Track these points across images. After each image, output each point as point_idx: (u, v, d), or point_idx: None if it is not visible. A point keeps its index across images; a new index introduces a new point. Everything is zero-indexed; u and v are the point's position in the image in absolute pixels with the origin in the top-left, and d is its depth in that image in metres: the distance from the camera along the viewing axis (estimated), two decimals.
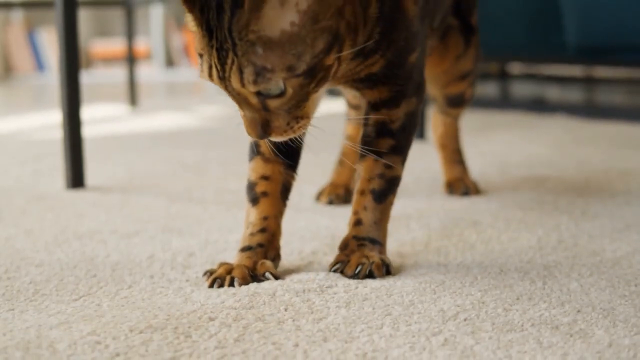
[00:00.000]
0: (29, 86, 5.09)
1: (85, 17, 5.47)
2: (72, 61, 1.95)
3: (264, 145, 1.33)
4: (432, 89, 1.83)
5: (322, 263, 1.37)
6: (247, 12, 1.08)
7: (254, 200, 1.34)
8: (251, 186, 1.35)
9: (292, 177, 1.37)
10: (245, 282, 1.24)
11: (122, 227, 1.62)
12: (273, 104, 1.13)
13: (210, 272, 1.28)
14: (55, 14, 1.95)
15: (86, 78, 5.01)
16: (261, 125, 1.14)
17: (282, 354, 1.01)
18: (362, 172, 1.35)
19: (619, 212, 1.70)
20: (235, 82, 1.11)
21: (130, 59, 3.74)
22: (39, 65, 5.51)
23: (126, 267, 1.37)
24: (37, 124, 3.26)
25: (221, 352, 1.01)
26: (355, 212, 1.34)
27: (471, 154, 2.26)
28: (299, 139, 1.28)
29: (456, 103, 1.87)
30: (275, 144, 1.30)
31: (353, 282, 1.25)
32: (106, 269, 1.36)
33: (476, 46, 1.78)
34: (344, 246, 1.33)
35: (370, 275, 1.28)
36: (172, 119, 3.40)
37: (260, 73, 1.09)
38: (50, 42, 5.44)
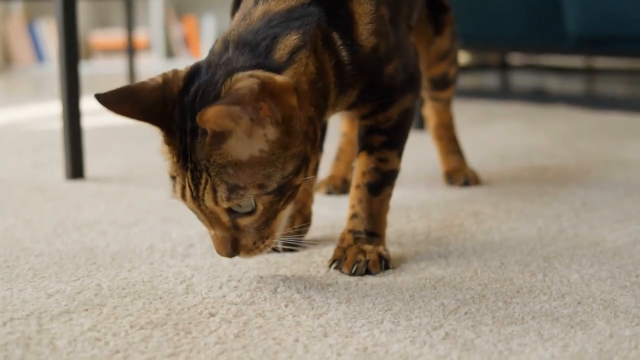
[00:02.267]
0: (28, 77, 5.08)
1: (85, 7, 5.46)
2: (72, 52, 1.95)
3: None
4: None
5: (322, 253, 1.37)
6: (211, 142, 1.11)
7: None
8: None
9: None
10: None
11: (121, 218, 1.62)
12: (243, 222, 1.17)
13: None
14: (55, 4, 1.94)
15: (86, 69, 5.01)
16: (230, 244, 1.18)
17: (283, 349, 1.00)
18: (357, 167, 1.36)
19: (620, 202, 1.70)
20: (208, 201, 1.14)
21: (130, 50, 3.74)
22: (39, 56, 5.50)
23: (126, 257, 1.37)
24: (36, 115, 3.25)
25: (221, 348, 1.01)
26: (352, 206, 1.36)
27: (471, 144, 2.25)
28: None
29: (442, 85, 1.87)
30: None
31: (353, 279, 1.25)
32: (105, 258, 1.36)
33: (452, 24, 1.80)
34: (342, 240, 1.34)
35: (368, 272, 1.28)
36: None
37: (233, 190, 1.13)
38: (49, 33, 5.43)
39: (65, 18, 1.92)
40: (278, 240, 1.23)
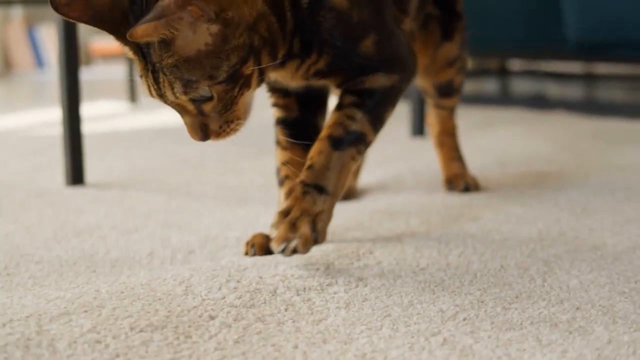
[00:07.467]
0: (28, 83, 5.09)
1: None
2: (72, 58, 1.95)
3: (281, 136, 1.47)
4: (422, 81, 1.83)
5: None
6: (160, 47, 1.20)
7: (280, 182, 1.47)
8: (277, 171, 1.48)
9: None
10: (262, 252, 1.40)
11: (121, 223, 1.62)
12: (206, 107, 1.26)
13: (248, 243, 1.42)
14: None
15: (86, 75, 5.01)
16: (200, 129, 1.28)
17: (282, 356, 1.00)
18: (325, 125, 1.38)
19: (620, 207, 1.70)
20: (170, 95, 1.24)
21: None
22: (39, 62, 5.51)
23: (126, 264, 1.37)
24: (37, 121, 3.25)
25: (221, 354, 1.01)
26: (310, 158, 1.35)
27: (471, 150, 2.25)
28: (315, 129, 1.45)
29: (447, 92, 1.87)
30: (292, 133, 1.45)
31: (353, 281, 1.25)
32: (105, 265, 1.36)
33: (462, 32, 1.80)
34: (290, 191, 1.34)
35: (296, 252, 1.27)
36: (172, 115, 3.38)
37: (187, 84, 1.22)
38: (49, 38, 5.44)
39: (66, 24, 1.92)
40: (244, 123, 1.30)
